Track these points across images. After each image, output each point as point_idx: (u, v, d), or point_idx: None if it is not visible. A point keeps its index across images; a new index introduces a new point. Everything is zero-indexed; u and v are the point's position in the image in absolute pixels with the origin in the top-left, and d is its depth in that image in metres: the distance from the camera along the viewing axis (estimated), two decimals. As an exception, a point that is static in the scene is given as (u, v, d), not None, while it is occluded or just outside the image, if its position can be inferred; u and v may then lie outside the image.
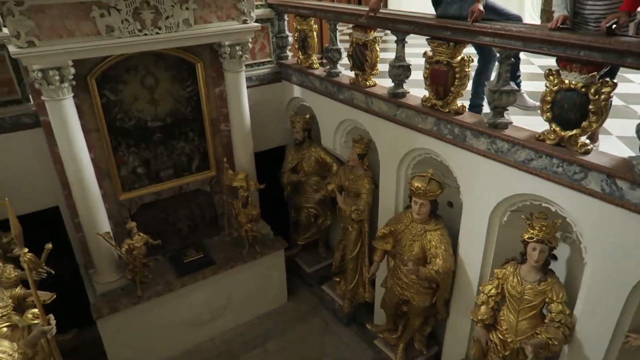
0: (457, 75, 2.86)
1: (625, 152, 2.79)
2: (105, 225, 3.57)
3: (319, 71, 4.05)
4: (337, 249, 4.46)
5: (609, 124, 2.83)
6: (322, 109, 4.13)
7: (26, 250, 2.69)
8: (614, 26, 2.11)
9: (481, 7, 2.66)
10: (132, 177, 3.85)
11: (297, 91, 4.37)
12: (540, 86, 2.54)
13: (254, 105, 4.13)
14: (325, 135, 4.21)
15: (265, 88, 4.44)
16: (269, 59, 4.43)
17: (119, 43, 3.09)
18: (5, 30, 3.24)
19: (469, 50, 2.95)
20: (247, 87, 3.91)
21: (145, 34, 3.17)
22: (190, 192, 4.20)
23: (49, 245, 3.04)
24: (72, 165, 3.26)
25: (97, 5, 2.96)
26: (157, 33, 3.21)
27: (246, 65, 3.91)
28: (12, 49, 2.87)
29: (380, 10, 3.20)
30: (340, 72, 3.87)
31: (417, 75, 3.19)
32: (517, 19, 2.76)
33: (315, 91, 4.08)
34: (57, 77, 2.95)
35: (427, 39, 2.96)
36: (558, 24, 2.34)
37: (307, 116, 4.30)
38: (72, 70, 3.02)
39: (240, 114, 3.91)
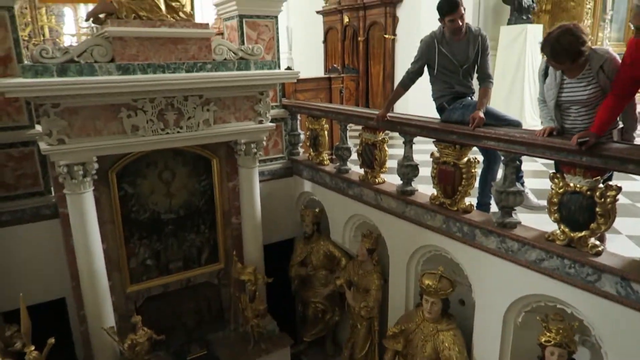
0: (464, 176, 2.97)
1: (636, 252, 2.80)
2: (110, 319, 3.50)
3: (330, 167, 4.21)
4: (345, 347, 4.29)
5: (617, 222, 2.87)
6: (332, 204, 4.22)
7: (32, 348, 2.63)
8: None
9: (482, 115, 2.85)
10: (141, 268, 3.85)
11: (307, 186, 4.51)
12: (545, 183, 2.63)
13: (265, 198, 4.24)
14: (334, 229, 4.26)
15: (276, 182, 4.59)
16: (281, 155, 4.63)
17: (143, 141, 3.28)
18: (37, 127, 3.48)
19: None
20: (260, 181, 4.05)
21: (168, 133, 3.37)
22: (197, 284, 4.17)
23: (52, 340, 2.97)
24: (84, 257, 3.29)
25: (126, 107, 3.19)
26: (178, 132, 3.41)
27: (259, 161, 4.08)
28: (42, 145, 3.05)
29: (389, 114, 3.41)
30: (350, 169, 4.03)
31: (425, 172, 3.32)
32: (518, 125, 2.93)
33: (325, 186, 4.21)
34: (80, 172, 3.09)
35: (433, 141, 3.13)
36: (545, 135, 2.47)
37: (317, 210, 4.39)
38: (96, 166, 3.18)
39: (252, 207, 4.00)
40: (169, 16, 3.35)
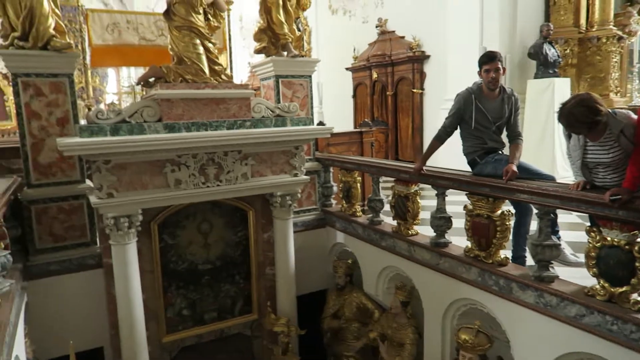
0: (498, 228, 2.98)
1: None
2: (146, 369, 3.55)
3: (362, 219, 4.27)
4: (379, 404, 4.16)
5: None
6: (365, 255, 4.25)
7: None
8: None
9: (514, 168, 2.90)
10: (178, 318, 3.92)
11: (340, 237, 4.56)
12: (581, 236, 2.61)
13: (298, 249, 4.31)
14: (367, 281, 4.26)
15: (309, 233, 4.66)
16: (314, 207, 4.74)
17: (185, 194, 3.46)
18: (87, 182, 3.73)
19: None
20: (293, 232, 4.14)
21: (208, 186, 3.54)
22: (230, 335, 4.19)
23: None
24: (125, 306, 3.40)
25: (171, 162, 3.40)
26: (218, 185, 3.58)
27: (293, 212, 4.18)
28: (92, 199, 3.26)
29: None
30: (383, 221, 4.08)
31: (459, 223, 3.34)
32: (551, 179, 2.96)
33: (358, 238, 4.26)
34: (126, 224, 3.27)
35: (466, 194, 3.18)
36: (579, 188, 2.49)
37: (350, 261, 4.41)
38: (140, 218, 3.35)
39: (286, 258, 4.07)
40: (212, 79, 3.61)
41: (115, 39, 4.65)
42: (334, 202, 4.82)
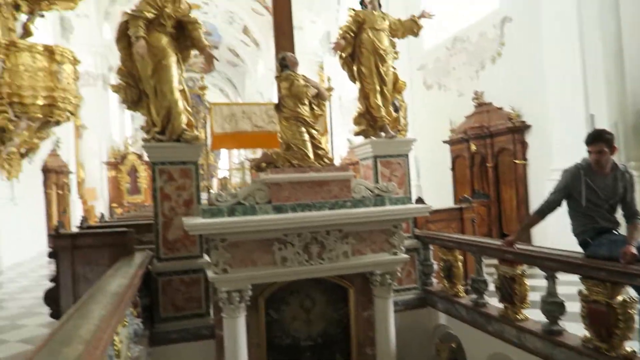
0: (620, 317, 2.73)
1: None
2: None
3: (465, 300, 4.12)
4: None
5: None
6: (470, 339, 4.05)
7: None
8: None
9: (634, 250, 2.69)
10: (280, 394, 4.00)
11: (442, 318, 4.42)
12: None
13: (399, 329, 4.23)
14: (473, 367, 4.02)
15: (410, 313, 4.58)
16: (414, 285, 4.68)
17: (290, 271, 3.67)
18: (205, 257, 4.13)
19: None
20: (394, 311, 4.10)
21: (311, 264, 3.72)
22: (330, 416, 4.14)
23: None
24: (232, 378, 3.58)
25: (278, 241, 3.66)
26: (320, 263, 3.75)
27: (393, 291, 4.18)
28: (209, 273, 3.60)
29: (526, 247, 3.37)
30: (487, 303, 3.91)
31: (573, 307, 3.09)
32: (679, 263, 2.69)
33: (461, 320, 4.09)
34: (237, 298, 3.53)
35: (580, 277, 2.98)
36: None
37: (454, 345, 4.22)
38: (250, 292, 3.60)
39: (386, 339, 4.02)
40: (316, 162, 3.92)
41: (232, 127, 5.27)
42: (434, 280, 4.72)
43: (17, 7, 9.55)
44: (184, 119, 4.11)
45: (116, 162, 20.39)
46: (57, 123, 9.77)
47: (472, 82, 9.15)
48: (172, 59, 4.14)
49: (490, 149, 8.84)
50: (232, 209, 3.54)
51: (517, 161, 8.30)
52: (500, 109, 8.66)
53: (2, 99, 8.62)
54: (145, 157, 21.08)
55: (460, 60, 9.33)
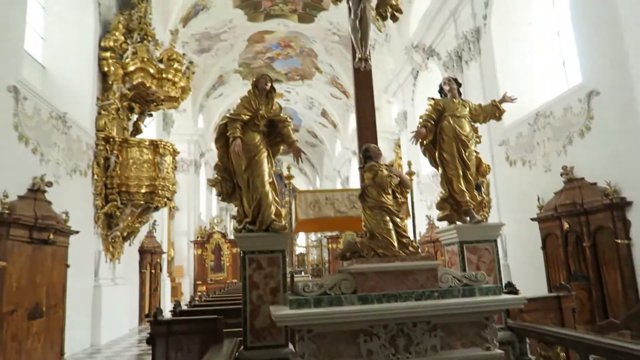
0: None
1: None
2: None
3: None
4: None
5: None
6: None
7: None
8: None
9: None
10: None
11: None
12: None
13: None
14: None
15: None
16: (511, 384, 4.30)
17: (377, 366, 3.56)
18: (290, 346, 4.15)
19: None
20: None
21: (398, 358, 3.59)
22: None
23: None
24: None
25: (363, 333, 3.61)
26: (407, 357, 3.61)
27: (488, 390, 3.86)
28: (297, 365, 3.60)
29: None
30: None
31: None
32: None
33: None
34: (324, 392, 3.46)
35: None
36: None
37: None
38: (336, 387, 3.52)
39: None
40: (400, 251, 3.91)
41: (315, 213, 5.47)
42: (534, 380, 4.32)
43: (131, 109, 11.00)
44: (273, 209, 4.36)
45: (202, 240, 21.55)
46: (157, 208, 10.72)
47: (560, 157, 8.77)
48: (264, 155, 4.50)
49: (585, 227, 8.21)
50: (319, 300, 3.58)
51: (619, 241, 7.60)
52: (594, 184, 8.14)
53: (113, 189, 9.69)
54: (230, 236, 22.14)
55: (545, 136, 9.07)
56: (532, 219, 9.33)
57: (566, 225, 8.49)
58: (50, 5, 8.64)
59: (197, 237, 21.50)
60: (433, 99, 4.85)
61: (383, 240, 3.93)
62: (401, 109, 16.67)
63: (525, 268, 9.62)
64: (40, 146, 7.26)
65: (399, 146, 20.69)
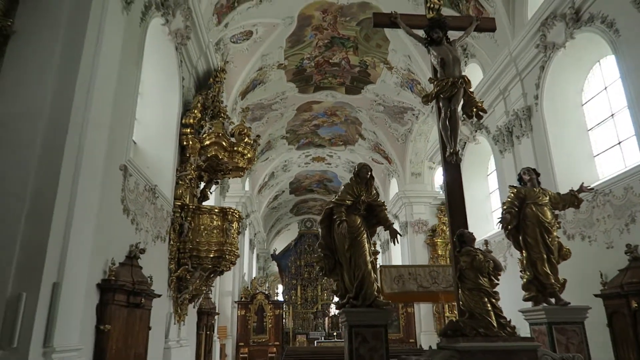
0: None
1: None
2: None
3: None
4: None
5: None
6: None
7: None
8: None
9: None
10: None
11: None
12: None
13: None
14: None
15: None
16: None
17: None
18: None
19: None
20: None
21: None
22: None
23: None
24: None
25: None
26: None
27: None
28: None
29: None
30: None
31: None
32: None
33: None
34: None
35: None
36: None
37: None
38: None
39: None
40: (501, 331, 4.27)
41: (400, 287, 5.89)
42: None
43: (200, 178, 11.91)
44: (375, 287, 4.83)
45: (246, 301, 21.81)
46: (221, 272, 11.28)
47: (622, 235, 8.95)
48: (364, 236, 5.04)
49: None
50: (432, 370, 3.96)
51: (691, 321, 7.58)
52: (659, 262, 8.25)
53: (185, 253, 10.36)
54: (273, 298, 22.33)
55: (605, 213, 9.30)
56: (595, 295, 9.36)
57: (634, 304, 8.50)
58: (145, 91, 9.79)
59: (241, 298, 21.80)
60: (515, 187, 5.35)
61: (483, 320, 4.31)
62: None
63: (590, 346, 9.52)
64: (136, 216, 8.02)
65: (441, 211, 21.01)
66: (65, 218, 5.29)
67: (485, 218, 13.53)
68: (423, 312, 19.42)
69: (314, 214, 35.68)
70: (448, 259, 19.04)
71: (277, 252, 32.31)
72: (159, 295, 8.51)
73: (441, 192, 19.16)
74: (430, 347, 13.34)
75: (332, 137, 24.46)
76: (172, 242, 10.19)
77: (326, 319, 31.42)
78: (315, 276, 31.43)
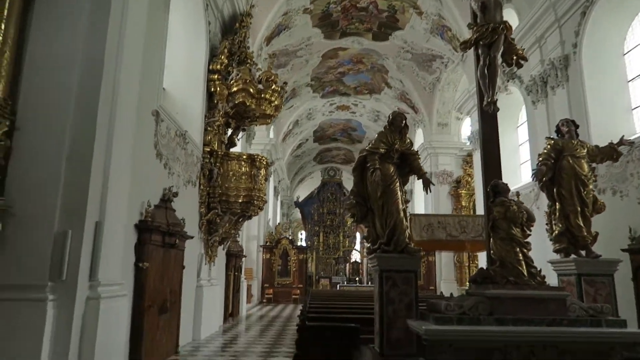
0: None
1: None
2: None
3: None
4: None
5: None
6: None
7: None
8: None
9: None
10: None
11: None
12: None
13: None
14: None
15: None
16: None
17: (514, 382, 4.00)
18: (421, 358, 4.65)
19: None
20: None
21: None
22: None
23: None
24: None
25: (498, 351, 4.06)
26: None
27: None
28: (437, 375, 4.10)
29: None
30: None
31: None
32: None
33: None
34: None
35: None
36: None
37: None
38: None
39: None
40: (531, 280, 4.34)
41: (429, 236, 5.97)
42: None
43: (227, 125, 11.97)
44: (407, 234, 4.91)
45: (271, 245, 22.50)
46: (249, 217, 11.58)
47: (656, 190, 8.79)
48: (397, 184, 5.07)
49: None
50: (461, 319, 4.09)
51: None
52: (691, 217, 8.13)
53: (215, 198, 10.63)
54: (297, 243, 23.00)
55: (640, 167, 9.10)
56: (623, 250, 9.33)
57: (661, 258, 8.48)
58: (172, 37, 9.69)
59: (266, 242, 22.47)
60: (552, 138, 5.24)
61: (514, 269, 4.38)
62: (475, 128, 16.77)
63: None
64: (169, 161, 8.20)
65: (467, 162, 20.78)
66: (104, 160, 5.44)
67: (514, 170, 13.36)
68: (444, 261, 19.73)
69: (337, 162, 35.75)
70: (472, 210, 19.06)
71: (300, 200, 32.80)
72: (192, 237, 8.85)
73: (468, 143, 18.87)
74: (451, 294, 13.64)
75: (358, 85, 23.99)
76: (202, 187, 10.44)
77: (347, 264, 32.30)
78: (337, 223, 31.99)
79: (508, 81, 13.95)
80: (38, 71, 5.18)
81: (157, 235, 7.24)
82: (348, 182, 34.61)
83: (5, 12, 4.74)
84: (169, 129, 8.21)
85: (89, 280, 5.14)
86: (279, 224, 25.19)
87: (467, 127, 20.25)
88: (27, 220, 4.80)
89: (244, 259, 16.04)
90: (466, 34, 14.59)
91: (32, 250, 4.75)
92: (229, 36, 11.63)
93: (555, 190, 5.12)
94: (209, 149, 10.66)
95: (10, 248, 4.74)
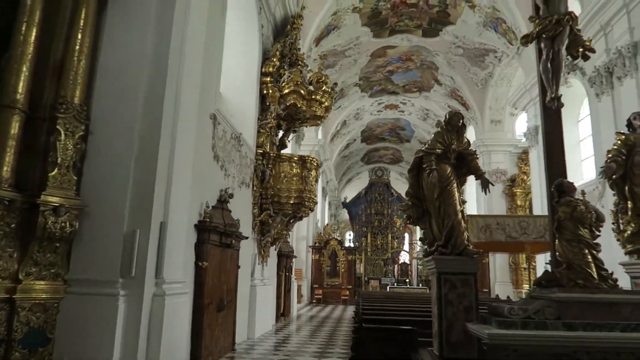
0: None
1: None
2: None
3: None
4: None
5: None
6: None
7: None
8: None
9: None
10: None
11: None
12: None
13: None
14: None
15: None
16: None
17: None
18: (484, 361, 4.53)
19: None
20: None
21: (604, 385, 3.82)
22: None
23: None
24: None
25: (567, 357, 3.89)
26: (613, 385, 3.82)
27: None
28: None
29: None
30: None
31: None
32: None
33: None
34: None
35: None
36: None
37: None
38: (541, 405, 3.85)
39: None
40: (602, 283, 4.12)
41: (487, 237, 5.81)
42: None
43: (279, 127, 12.18)
44: (465, 235, 4.81)
45: (320, 246, 22.64)
46: (300, 218, 11.73)
47: None
48: (454, 185, 4.97)
49: None
50: (525, 323, 3.95)
51: None
52: None
53: (267, 199, 10.84)
54: (345, 244, 23.01)
55: None
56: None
57: None
58: (228, 41, 9.97)
59: (315, 243, 22.64)
60: (622, 133, 4.96)
61: (582, 272, 4.17)
62: (532, 124, 16.12)
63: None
64: (225, 163, 8.45)
65: (522, 160, 20.03)
66: (167, 162, 5.68)
67: (575, 167, 12.74)
68: (498, 263, 19.10)
69: (385, 162, 35.44)
70: (528, 210, 18.33)
71: (347, 200, 32.79)
72: (246, 237, 9.08)
73: (523, 140, 18.16)
74: (508, 297, 13.19)
75: (406, 83, 23.68)
76: (255, 188, 10.68)
77: (395, 266, 31.92)
78: (385, 224, 31.69)
79: (568, 73, 13.29)
80: (109, 77, 5.49)
81: (214, 235, 7.48)
82: (396, 183, 34.25)
83: (81, 22, 5.06)
84: (225, 132, 8.46)
85: (155, 277, 5.39)
86: (327, 224, 25.29)
87: (522, 123, 19.51)
88: (100, 220, 5.10)
89: (294, 259, 16.23)
90: (522, 25, 14.07)
91: (105, 248, 5.05)
92: (281, 38, 11.83)
93: (627, 188, 4.83)
94: (261, 151, 10.88)
95: (85, 245, 5.06)
